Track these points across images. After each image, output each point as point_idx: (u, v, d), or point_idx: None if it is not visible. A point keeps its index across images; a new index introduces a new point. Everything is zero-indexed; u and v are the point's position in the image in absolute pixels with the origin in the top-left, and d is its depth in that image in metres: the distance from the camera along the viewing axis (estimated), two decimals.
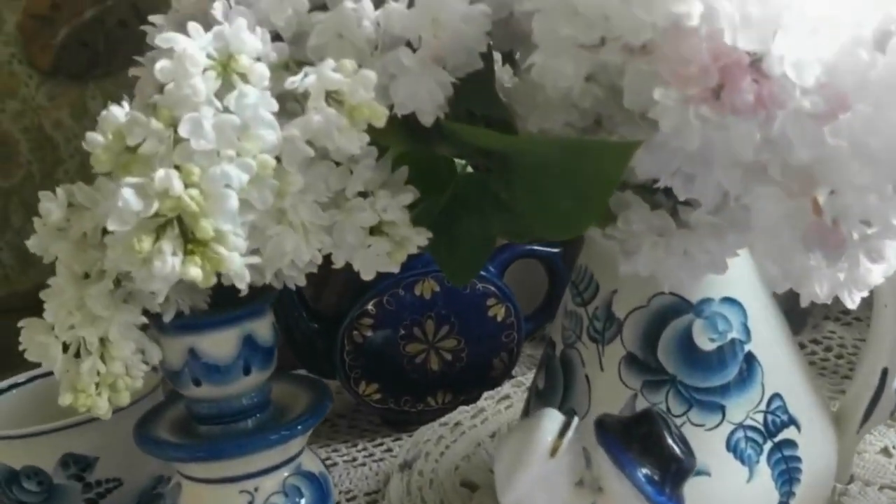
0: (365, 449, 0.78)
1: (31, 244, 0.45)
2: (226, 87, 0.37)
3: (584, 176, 0.39)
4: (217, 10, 0.40)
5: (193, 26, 0.37)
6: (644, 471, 0.40)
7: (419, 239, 0.45)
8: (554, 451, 0.41)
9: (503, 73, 0.48)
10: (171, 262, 0.35)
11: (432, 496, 0.62)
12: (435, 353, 0.78)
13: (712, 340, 0.51)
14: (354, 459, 0.77)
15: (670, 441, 0.40)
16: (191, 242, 0.36)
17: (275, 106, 0.37)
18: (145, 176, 0.36)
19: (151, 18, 0.43)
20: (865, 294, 0.44)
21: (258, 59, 0.37)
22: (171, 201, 0.35)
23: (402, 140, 0.43)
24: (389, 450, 0.77)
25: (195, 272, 0.35)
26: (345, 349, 0.77)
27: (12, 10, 0.95)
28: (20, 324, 0.45)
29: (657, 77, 0.37)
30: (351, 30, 0.41)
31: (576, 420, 0.42)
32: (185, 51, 0.35)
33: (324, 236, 0.43)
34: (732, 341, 0.52)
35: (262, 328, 0.48)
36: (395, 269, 0.45)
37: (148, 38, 0.44)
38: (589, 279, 0.54)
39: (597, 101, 0.41)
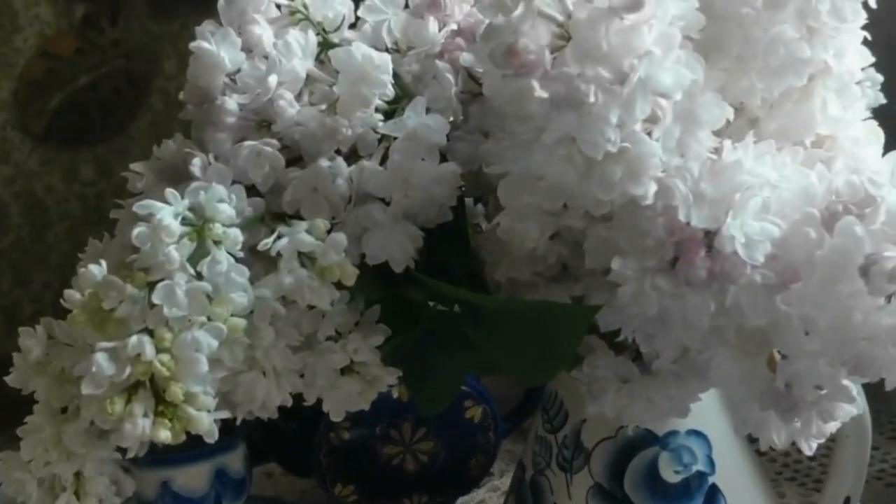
0: None
1: (11, 379, 0.46)
2: (200, 250, 0.38)
3: (548, 333, 0.41)
4: (196, 166, 0.42)
5: (170, 192, 0.39)
6: None
7: (389, 378, 0.46)
8: None
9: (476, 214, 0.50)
10: (141, 424, 0.37)
11: None
12: (411, 455, 0.78)
13: (677, 473, 0.52)
14: None
15: None
16: (161, 403, 0.37)
17: (246, 273, 0.38)
18: (119, 338, 0.37)
19: (133, 166, 0.45)
20: (822, 440, 0.45)
21: (231, 226, 0.39)
22: (142, 366, 0.36)
23: (373, 287, 0.44)
24: None
25: (164, 435, 0.37)
26: (322, 450, 0.77)
27: (8, 78, 0.97)
28: None
29: (616, 244, 0.39)
30: (325, 186, 0.42)
31: None
32: (160, 222, 0.37)
33: (295, 379, 0.44)
34: (697, 473, 0.53)
35: (234, 461, 0.49)
36: (366, 407, 0.47)
37: (129, 184, 0.45)
38: (559, 406, 0.55)
39: (562, 256, 0.43)
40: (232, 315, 0.38)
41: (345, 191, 0.42)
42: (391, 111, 0.43)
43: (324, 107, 0.42)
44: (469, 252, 0.45)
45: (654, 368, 0.45)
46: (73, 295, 0.39)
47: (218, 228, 0.38)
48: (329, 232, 0.42)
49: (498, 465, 0.84)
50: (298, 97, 0.43)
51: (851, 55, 0.40)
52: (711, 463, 0.53)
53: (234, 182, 0.42)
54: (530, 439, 0.58)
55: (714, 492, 0.53)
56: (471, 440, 0.80)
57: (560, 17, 0.32)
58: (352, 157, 0.43)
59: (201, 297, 0.37)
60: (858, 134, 0.43)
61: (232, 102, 0.42)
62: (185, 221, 0.39)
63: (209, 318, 0.37)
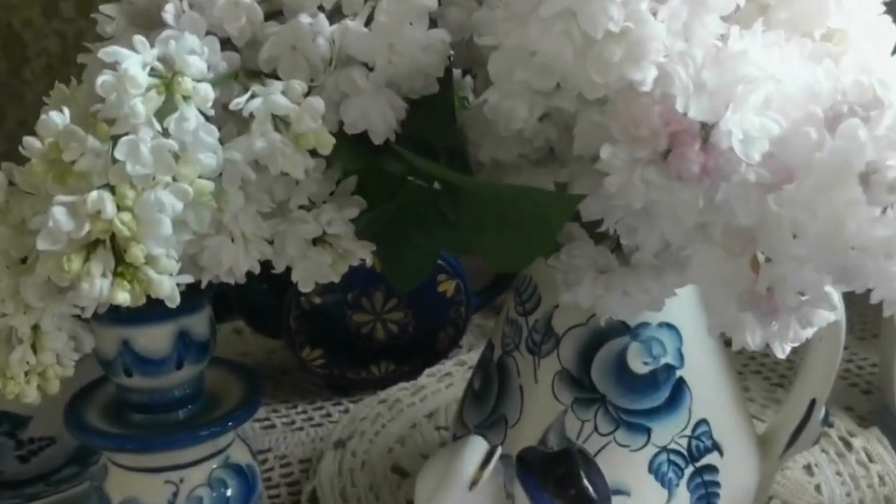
0: (304, 412, 0.78)
1: None
2: (168, 105, 0.36)
3: (528, 219, 0.39)
4: (169, 13, 0.39)
5: (139, 39, 0.36)
6: None
7: (362, 252, 0.45)
8: (473, 484, 0.41)
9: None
10: (99, 284, 0.35)
11: (363, 479, 0.63)
12: (381, 324, 0.78)
13: (646, 364, 0.52)
14: (293, 423, 0.77)
15: (585, 482, 0.41)
16: (121, 264, 0.35)
17: (216, 133, 0.36)
18: (80, 192, 0.35)
19: (103, 8, 0.42)
20: (797, 345, 0.45)
21: (202, 81, 0.36)
22: (102, 224, 0.34)
23: (350, 157, 0.42)
24: (329, 415, 0.78)
25: (123, 297, 0.35)
26: (291, 313, 0.77)
27: None
28: None
29: (608, 131, 0.37)
30: (305, 44, 0.40)
31: (498, 451, 0.43)
32: (126, 71, 0.34)
33: (264, 246, 0.43)
34: (665, 366, 0.52)
35: (198, 324, 0.48)
36: (336, 280, 0.45)
37: (98, 27, 0.43)
38: (532, 290, 0.54)
39: (549, 139, 0.41)
40: (199, 177, 0.36)
41: (325, 52, 0.40)
42: None
43: None
44: (453, 128, 0.43)
45: (634, 261, 0.43)
46: (32, 143, 0.37)
47: (187, 83, 0.35)
48: (307, 95, 0.40)
49: (467, 339, 0.84)
50: None
51: None
52: (681, 356, 0.52)
53: (208, 33, 0.40)
54: (501, 320, 0.57)
55: (680, 385, 0.52)
56: (442, 313, 0.80)
57: None
58: (335, 15, 0.41)
59: (167, 156, 0.35)
60: (870, 30, 0.40)
61: None
62: (153, 73, 0.36)
63: (174, 179, 0.35)
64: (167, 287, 0.36)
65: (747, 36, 0.36)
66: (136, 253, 0.35)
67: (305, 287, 0.44)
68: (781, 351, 0.44)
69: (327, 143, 0.38)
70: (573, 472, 0.41)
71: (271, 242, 0.44)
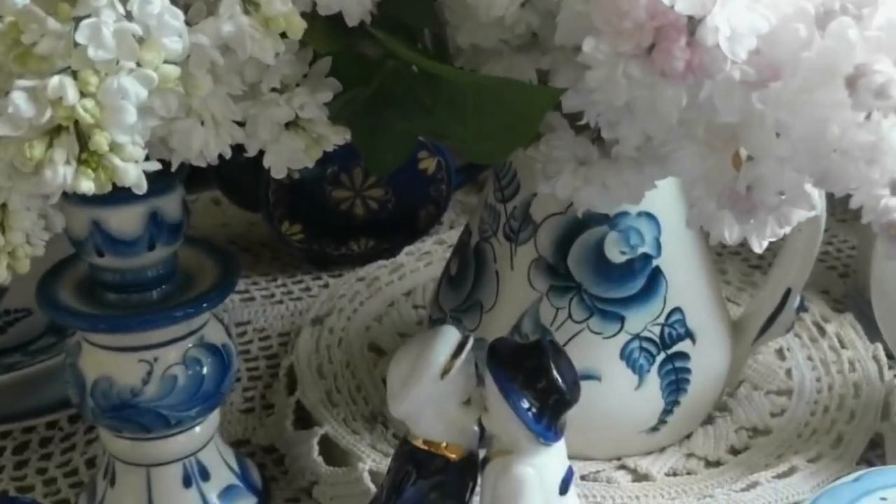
0: (284, 285, 0.79)
1: None
2: None
3: (507, 111, 0.38)
4: None
5: None
6: (526, 400, 0.41)
7: (337, 138, 0.44)
8: (445, 373, 0.42)
9: None
10: (62, 172, 0.34)
11: (339, 356, 0.63)
12: (361, 200, 0.77)
13: (623, 254, 0.52)
14: (272, 295, 0.77)
15: (555, 374, 0.41)
16: (85, 151, 0.34)
17: (181, 16, 0.35)
18: (41, 75, 0.34)
19: None
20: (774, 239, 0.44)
21: None
22: (64, 110, 0.33)
23: (324, 39, 0.41)
24: (308, 289, 0.78)
25: (87, 186, 0.34)
26: (270, 187, 0.76)
27: None
28: None
29: (591, 20, 0.36)
30: None
31: (470, 341, 0.43)
32: None
33: (235, 129, 0.42)
34: (642, 255, 0.52)
35: (171, 204, 0.47)
36: (310, 165, 0.44)
37: None
38: (512, 176, 0.53)
39: (531, 25, 0.39)
40: (165, 62, 0.35)
41: None
42: None
43: None
44: (431, 10, 0.41)
45: (614, 153, 0.42)
46: None
47: None
48: None
49: (448, 216, 0.84)
50: None
51: None
52: (658, 246, 0.52)
53: None
54: (479, 205, 0.56)
55: (656, 274, 0.53)
56: (422, 191, 0.79)
57: None
58: None
59: (130, 40, 0.34)
60: None
61: None
62: None
63: (139, 65, 0.34)
64: (133, 175, 0.35)
65: None
66: (100, 140, 0.34)
67: (278, 173, 0.43)
68: (758, 246, 0.44)
69: (298, 28, 0.37)
70: (543, 365, 0.41)
71: (242, 125, 0.42)
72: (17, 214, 0.43)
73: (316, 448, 0.56)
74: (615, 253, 0.52)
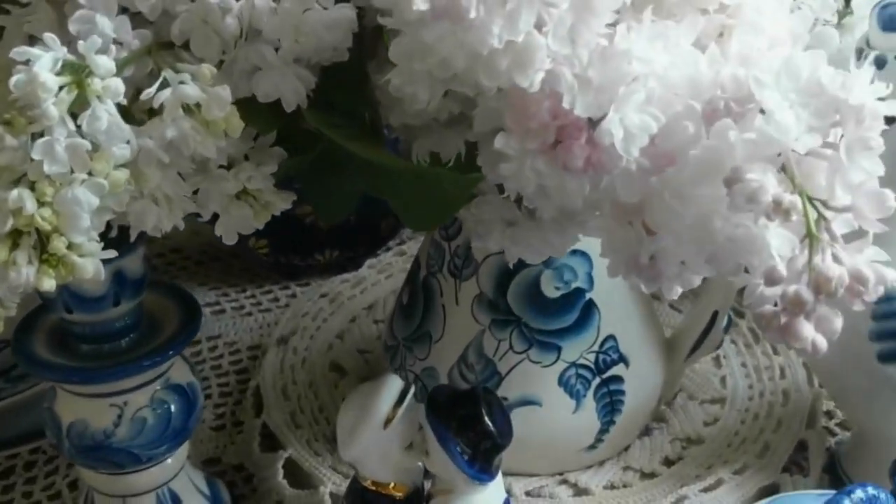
0: (253, 296, 0.82)
1: None
2: (80, 99, 0.37)
3: (433, 193, 0.42)
4: None
5: (49, 37, 0.37)
6: (460, 447, 0.45)
7: (283, 204, 0.47)
8: (387, 423, 0.46)
9: None
10: (25, 272, 0.38)
11: (303, 376, 0.67)
12: None
13: (558, 289, 0.56)
14: (242, 307, 0.81)
15: (486, 421, 0.45)
16: (45, 251, 0.38)
17: (127, 129, 0.38)
18: (2, 182, 0.37)
19: None
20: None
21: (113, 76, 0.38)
22: (24, 219, 0.37)
23: (265, 123, 0.44)
24: (277, 299, 0.82)
25: (49, 284, 0.38)
26: None
27: None
28: None
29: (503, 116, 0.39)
30: (215, 20, 0.41)
31: (411, 391, 0.47)
32: (37, 77, 0.36)
33: (187, 203, 0.45)
34: (576, 290, 0.56)
35: (133, 263, 0.51)
36: (259, 227, 0.48)
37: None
38: (454, 218, 0.57)
39: (453, 111, 0.43)
40: (115, 167, 0.38)
41: (234, 29, 0.41)
42: None
43: None
44: (364, 94, 0.44)
45: (538, 215, 0.46)
46: None
47: (97, 84, 0.37)
48: (220, 65, 0.42)
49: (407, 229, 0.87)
50: None
51: None
52: (591, 280, 0.56)
53: (121, 9, 0.41)
54: (427, 241, 0.60)
55: (590, 306, 0.57)
56: (383, 202, 0.82)
57: None
58: None
59: (82, 154, 0.37)
60: (763, 1, 0.42)
61: None
62: (66, 65, 0.37)
63: (90, 174, 0.37)
64: (90, 269, 0.39)
65: (633, 32, 0.37)
66: (58, 245, 0.37)
67: (229, 240, 0.47)
68: (672, 295, 0.48)
69: (237, 127, 0.40)
70: (475, 413, 0.45)
71: (196, 192, 0.46)
72: None
73: (280, 471, 0.60)
74: (550, 289, 0.56)
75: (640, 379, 0.59)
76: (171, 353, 0.52)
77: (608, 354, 0.57)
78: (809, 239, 0.35)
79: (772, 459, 0.60)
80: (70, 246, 0.38)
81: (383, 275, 0.78)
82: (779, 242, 0.35)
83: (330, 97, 0.44)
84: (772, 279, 0.35)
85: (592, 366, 0.57)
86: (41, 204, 0.37)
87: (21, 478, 0.65)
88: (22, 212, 0.37)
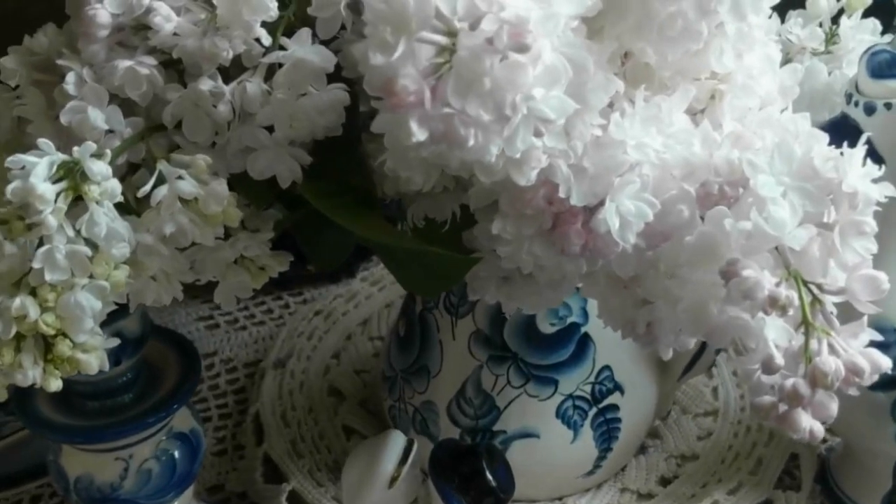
0: (246, 308, 0.82)
1: None
2: (77, 201, 0.38)
3: (430, 269, 0.42)
4: (70, 83, 0.40)
5: (44, 142, 0.37)
6: (462, 503, 0.46)
7: (280, 266, 0.48)
8: (392, 482, 0.47)
9: None
10: (31, 374, 0.38)
11: (302, 401, 0.68)
12: None
13: (553, 325, 0.56)
14: (236, 321, 0.81)
15: (489, 477, 0.46)
16: (50, 352, 0.38)
17: (126, 228, 0.38)
18: (2, 287, 0.38)
19: (2, 61, 0.42)
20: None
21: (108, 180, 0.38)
22: (28, 325, 0.37)
23: (259, 199, 0.44)
24: (270, 311, 0.82)
25: (56, 385, 0.38)
26: None
27: None
28: None
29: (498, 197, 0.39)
30: (207, 105, 0.41)
31: (415, 448, 0.48)
32: (34, 189, 0.36)
33: (185, 274, 0.45)
34: (571, 325, 0.57)
35: (132, 324, 0.51)
36: (258, 287, 0.48)
37: (3, 76, 0.43)
38: None
39: (448, 185, 0.43)
40: (115, 266, 0.38)
41: (227, 114, 0.41)
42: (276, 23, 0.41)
43: (202, 18, 0.40)
44: (358, 167, 0.44)
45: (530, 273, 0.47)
46: None
47: (94, 190, 0.37)
48: (213, 145, 0.42)
49: None
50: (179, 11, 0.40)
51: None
52: (585, 314, 0.57)
53: (112, 96, 0.41)
54: None
55: (585, 339, 0.57)
56: None
57: (444, 42, 0.30)
58: (236, 67, 0.41)
59: (82, 259, 0.37)
60: (754, 64, 0.42)
61: (105, 14, 0.39)
62: (60, 166, 0.37)
63: (91, 277, 0.38)
64: (95, 365, 0.39)
65: (627, 117, 0.37)
66: (63, 348, 0.37)
67: (227, 305, 0.47)
68: (665, 354, 0.48)
69: (235, 218, 0.40)
70: (477, 469, 0.46)
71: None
72: None
73: None
74: (546, 325, 0.56)
75: (636, 404, 0.60)
76: (175, 406, 0.53)
77: (604, 384, 0.58)
78: (805, 326, 0.36)
79: (765, 475, 0.61)
80: (75, 347, 0.38)
81: (376, 287, 0.79)
82: (776, 334, 0.36)
83: (323, 167, 0.44)
84: (769, 369, 0.36)
85: (589, 397, 0.58)
86: (44, 310, 0.37)
87: None
88: (25, 318, 0.37)
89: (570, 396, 0.58)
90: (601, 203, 0.38)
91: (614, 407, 0.59)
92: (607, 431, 0.59)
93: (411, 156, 0.38)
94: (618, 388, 0.59)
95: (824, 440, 0.66)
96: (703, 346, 0.61)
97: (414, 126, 0.31)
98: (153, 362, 0.55)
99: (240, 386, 0.75)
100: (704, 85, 0.42)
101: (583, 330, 0.57)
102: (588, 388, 0.58)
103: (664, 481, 0.62)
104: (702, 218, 0.38)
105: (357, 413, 0.67)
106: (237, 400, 0.73)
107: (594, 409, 0.58)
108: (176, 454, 0.55)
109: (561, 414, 0.58)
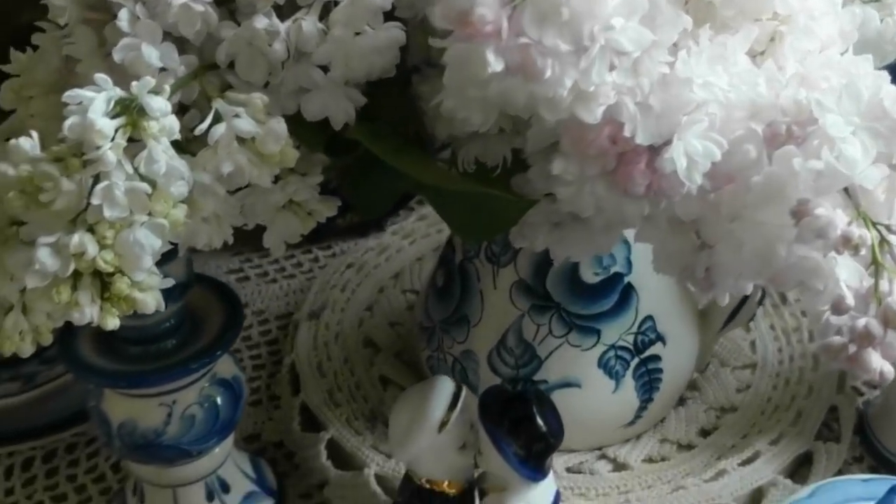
0: (276, 261, 0.82)
1: None
2: (137, 138, 0.37)
3: (483, 212, 0.41)
4: (123, 20, 0.39)
5: (101, 78, 0.37)
6: (514, 448, 0.46)
7: (328, 211, 0.47)
8: (442, 427, 0.46)
9: None
10: (88, 312, 0.38)
11: (337, 352, 0.68)
12: None
13: (597, 275, 0.56)
14: (266, 274, 0.81)
15: (539, 423, 0.46)
16: (107, 290, 0.38)
17: (185, 167, 0.38)
18: (60, 222, 0.37)
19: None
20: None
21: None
22: (86, 263, 0.37)
23: (312, 141, 0.44)
24: (300, 264, 0.82)
25: (113, 323, 0.38)
26: None
27: None
28: None
29: (559, 140, 0.39)
30: (262, 44, 0.40)
31: (464, 393, 0.47)
32: (92, 124, 0.35)
33: (236, 217, 0.45)
34: (615, 274, 0.56)
35: (178, 268, 0.50)
36: (305, 233, 0.48)
37: (51, 15, 0.42)
38: None
39: (505, 126, 0.42)
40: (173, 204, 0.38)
41: (282, 53, 0.40)
42: None
43: None
44: (410, 110, 0.44)
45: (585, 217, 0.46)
46: (6, 170, 0.38)
47: (153, 126, 0.36)
48: (266, 85, 0.41)
49: None
50: None
51: None
52: (629, 264, 0.57)
53: (164, 34, 0.40)
54: None
55: (628, 289, 0.57)
56: None
57: None
58: (290, 6, 0.41)
59: (141, 196, 0.37)
60: (816, 5, 0.41)
61: None
62: (117, 102, 0.37)
63: (150, 214, 0.37)
64: (152, 304, 0.39)
65: (693, 56, 0.37)
66: (121, 286, 0.37)
67: (277, 251, 0.47)
68: (723, 301, 0.47)
69: (292, 158, 0.40)
70: (528, 415, 0.46)
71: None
72: (37, 298, 0.46)
73: (324, 452, 0.61)
74: (589, 275, 0.56)
75: (677, 355, 0.60)
76: (218, 353, 0.53)
77: (646, 335, 0.58)
78: (875, 267, 0.35)
79: (805, 426, 0.61)
80: (132, 283, 0.38)
81: (407, 240, 0.78)
82: (847, 274, 0.35)
83: (374, 110, 0.43)
84: (840, 309, 0.35)
85: (631, 347, 0.58)
86: (102, 247, 0.37)
87: (64, 461, 0.66)
88: (83, 256, 0.37)
89: (613, 346, 0.57)
90: (665, 143, 0.37)
91: (656, 357, 0.59)
92: (649, 382, 0.59)
93: (471, 95, 0.38)
94: (660, 338, 0.58)
95: (861, 393, 0.66)
96: (744, 299, 0.61)
97: (490, 57, 0.30)
98: (196, 309, 0.55)
99: (272, 337, 0.75)
100: (766, 26, 0.41)
101: (626, 280, 0.57)
102: (630, 339, 0.58)
103: (704, 432, 0.62)
104: (768, 158, 0.37)
105: (393, 364, 0.67)
106: (270, 351, 0.73)
107: (636, 360, 0.58)
108: (219, 400, 0.54)
109: (603, 364, 0.57)
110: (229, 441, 0.57)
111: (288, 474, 0.64)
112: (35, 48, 0.45)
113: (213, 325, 0.54)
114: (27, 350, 0.48)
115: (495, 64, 0.31)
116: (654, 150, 0.37)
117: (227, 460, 0.58)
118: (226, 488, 0.58)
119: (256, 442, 0.66)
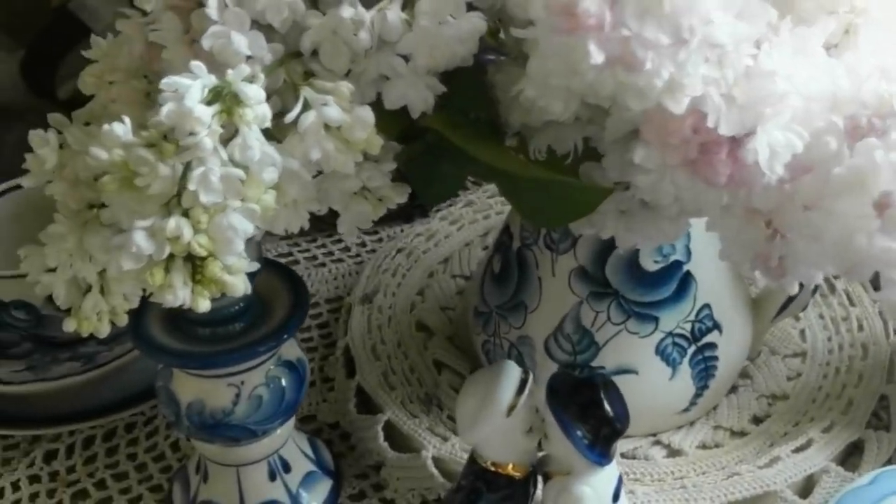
0: (324, 246, 0.83)
1: (27, 181, 0.46)
2: (229, 124, 0.38)
3: (558, 201, 0.42)
4: (212, 7, 0.40)
5: (196, 65, 0.37)
6: (581, 432, 0.47)
7: (399, 197, 0.48)
8: (510, 411, 0.47)
9: None
10: (181, 294, 0.39)
11: (390, 336, 0.69)
12: None
13: (656, 262, 0.57)
14: (315, 258, 0.82)
15: (607, 408, 0.47)
16: (199, 272, 0.39)
17: (276, 153, 0.39)
18: (154, 206, 0.38)
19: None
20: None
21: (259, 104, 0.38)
22: (181, 246, 0.38)
23: (391, 129, 0.44)
24: (347, 248, 0.83)
25: (204, 305, 0.39)
26: None
27: None
28: (21, 252, 0.48)
29: (639, 130, 0.39)
30: (346, 34, 0.41)
31: (531, 378, 0.48)
32: (190, 112, 0.36)
33: (312, 203, 0.46)
34: (674, 262, 0.57)
35: (249, 252, 0.51)
36: (375, 219, 0.49)
37: (137, 2, 0.43)
38: None
39: (582, 117, 0.43)
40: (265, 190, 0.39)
41: (367, 42, 0.41)
42: None
43: None
44: (485, 99, 0.44)
45: (653, 204, 0.47)
46: (98, 154, 0.39)
47: (248, 114, 0.37)
48: (347, 75, 0.42)
49: None
50: None
51: None
52: (688, 252, 0.57)
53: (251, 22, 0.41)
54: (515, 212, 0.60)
55: (687, 277, 0.58)
56: None
57: None
58: None
59: (236, 183, 0.37)
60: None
61: None
62: (212, 90, 0.38)
63: (243, 200, 0.38)
64: (241, 287, 0.40)
65: (776, 50, 0.37)
66: (214, 269, 0.38)
67: (349, 235, 0.48)
68: (791, 289, 0.48)
69: (377, 145, 0.40)
70: (595, 400, 0.47)
71: None
72: (115, 280, 0.48)
73: (381, 434, 0.62)
74: (649, 262, 0.57)
75: (732, 343, 0.60)
76: (285, 336, 0.54)
77: (703, 323, 0.59)
78: None
79: (856, 415, 0.62)
80: (222, 267, 0.39)
81: (455, 226, 0.79)
82: None
83: (448, 98, 0.44)
84: None
85: (688, 334, 0.58)
86: (196, 231, 0.38)
87: (124, 439, 0.67)
88: (179, 240, 0.38)
89: (670, 334, 0.58)
90: (747, 134, 0.38)
91: (712, 345, 0.59)
92: (705, 369, 0.59)
93: (554, 84, 0.38)
94: (716, 326, 0.59)
95: None
96: (799, 287, 0.61)
97: (593, 49, 0.31)
98: (262, 293, 0.56)
99: (323, 321, 0.76)
100: (842, 19, 0.42)
101: (685, 268, 0.57)
102: (688, 326, 0.58)
103: (756, 420, 0.62)
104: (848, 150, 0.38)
105: (446, 348, 0.68)
106: (322, 334, 0.74)
107: (693, 347, 0.59)
108: (284, 382, 0.56)
109: (660, 351, 0.58)
110: (291, 422, 0.58)
111: (343, 455, 0.65)
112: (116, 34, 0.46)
113: (279, 309, 0.55)
114: (104, 330, 0.49)
115: (597, 56, 0.31)
116: (735, 141, 0.38)
117: (289, 441, 0.59)
118: (287, 468, 0.59)
119: (312, 423, 0.67)
